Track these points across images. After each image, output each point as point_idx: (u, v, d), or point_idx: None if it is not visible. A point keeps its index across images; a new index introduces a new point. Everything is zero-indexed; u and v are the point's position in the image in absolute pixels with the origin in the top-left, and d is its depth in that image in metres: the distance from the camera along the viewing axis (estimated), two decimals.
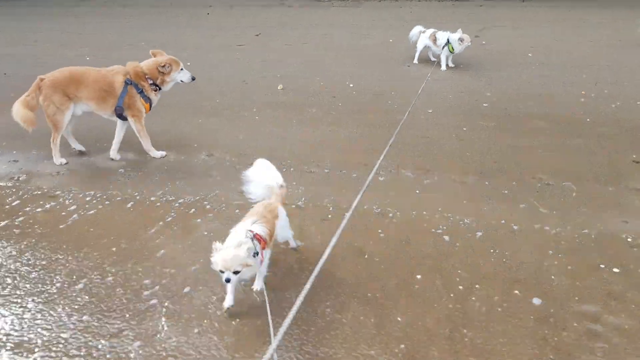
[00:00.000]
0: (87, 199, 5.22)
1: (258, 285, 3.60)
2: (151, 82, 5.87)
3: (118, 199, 5.21)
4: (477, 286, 3.76)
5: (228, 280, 3.23)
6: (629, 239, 4.28)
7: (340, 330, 3.39)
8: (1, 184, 5.64)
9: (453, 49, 9.20)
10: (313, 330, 3.40)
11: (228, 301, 3.52)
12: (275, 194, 3.87)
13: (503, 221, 4.59)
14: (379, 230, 4.50)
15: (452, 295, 3.68)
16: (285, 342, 3.26)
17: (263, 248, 3.41)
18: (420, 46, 9.86)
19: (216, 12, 17.29)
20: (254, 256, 3.24)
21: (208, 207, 4.98)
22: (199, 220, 4.76)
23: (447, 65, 9.49)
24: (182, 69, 6.03)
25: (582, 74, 9.00)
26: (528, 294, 3.67)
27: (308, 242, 4.34)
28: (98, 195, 5.27)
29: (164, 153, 6.18)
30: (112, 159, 6.10)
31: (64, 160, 6.07)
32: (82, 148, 6.39)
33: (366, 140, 6.50)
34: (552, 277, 3.84)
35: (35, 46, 12.90)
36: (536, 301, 3.59)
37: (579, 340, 3.24)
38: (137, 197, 5.22)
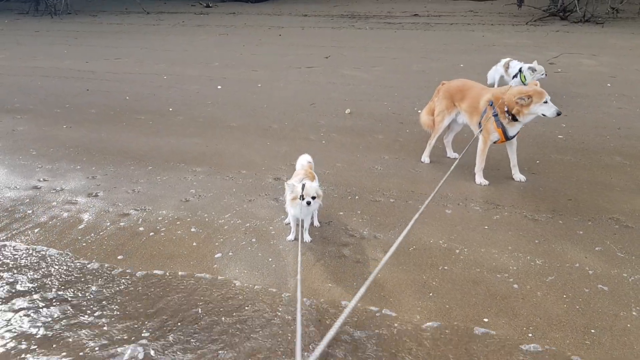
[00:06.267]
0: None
1: (307, 237, 4.80)
2: (507, 110, 5.65)
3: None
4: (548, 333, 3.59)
5: (309, 203, 4.30)
6: None
7: None
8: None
9: (525, 79, 8.89)
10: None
11: (291, 236, 4.83)
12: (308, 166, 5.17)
13: (577, 265, 4.38)
14: (445, 267, 4.39)
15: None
16: None
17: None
18: (496, 76, 9.64)
19: (288, 32, 17.64)
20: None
21: (272, 232, 5.04)
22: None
23: None
24: (545, 102, 5.50)
25: None
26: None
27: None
28: None
29: (486, 182, 5.97)
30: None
31: (427, 160, 6.65)
32: (456, 155, 6.70)
33: (434, 168, 6.41)
34: (628, 325, 3.63)
35: (116, 62, 13.55)
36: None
37: None
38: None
